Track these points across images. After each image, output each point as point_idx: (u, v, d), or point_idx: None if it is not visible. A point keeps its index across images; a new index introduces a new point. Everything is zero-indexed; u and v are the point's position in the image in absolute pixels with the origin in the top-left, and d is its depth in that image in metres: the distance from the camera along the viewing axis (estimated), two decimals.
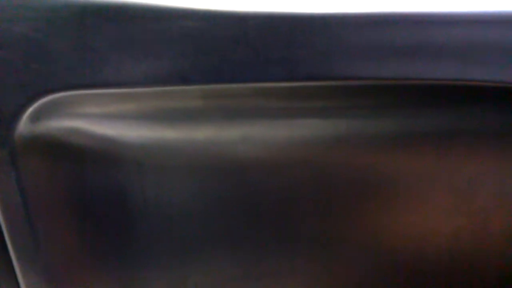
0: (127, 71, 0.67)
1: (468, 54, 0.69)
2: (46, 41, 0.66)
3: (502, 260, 0.84)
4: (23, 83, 0.67)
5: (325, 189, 0.78)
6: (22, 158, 0.71)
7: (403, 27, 0.68)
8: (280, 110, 0.73)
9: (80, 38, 0.66)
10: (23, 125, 0.69)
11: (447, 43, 0.68)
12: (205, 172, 0.75)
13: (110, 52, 0.66)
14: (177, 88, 0.70)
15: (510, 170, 0.78)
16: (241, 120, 0.73)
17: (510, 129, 0.75)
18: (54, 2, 0.65)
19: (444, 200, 0.79)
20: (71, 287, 0.83)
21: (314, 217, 0.80)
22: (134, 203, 0.76)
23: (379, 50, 0.68)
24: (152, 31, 0.66)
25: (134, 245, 0.80)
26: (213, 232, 0.80)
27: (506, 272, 0.84)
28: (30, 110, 0.68)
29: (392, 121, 0.74)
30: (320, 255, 0.83)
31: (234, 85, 0.70)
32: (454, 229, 0.81)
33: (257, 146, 0.74)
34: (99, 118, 0.71)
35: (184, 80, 0.68)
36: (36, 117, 0.69)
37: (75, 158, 0.73)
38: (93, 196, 0.76)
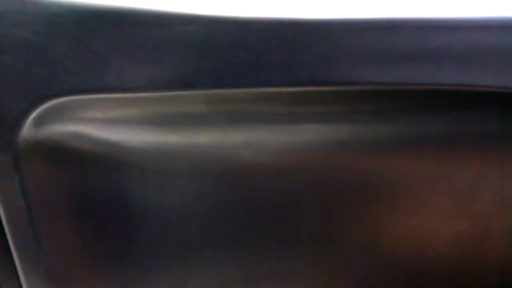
0: (130, 76, 0.68)
1: (469, 60, 0.69)
2: (49, 46, 0.66)
3: (502, 263, 0.84)
4: (26, 88, 0.67)
5: (327, 193, 0.78)
6: (25, 162, 0.71)
7: (404, 33, 0.68)
8: (282, 115, 0.74)
9: (82, 43, 0.66)
10: (26, 130, 0.69)
11: (448, 48, 0.68)
12: (207, 176, 0.76)
13: (113, 57, 0.67)
14: (180, 93, 0.70)
15: (511, 174, 0.78)
16: (243, 125, 0.73)
17: (511, 134, 0.75)
18: (57, 7, 0.65)
19: (445, 204, 0.80)
20: None
21: (315, 221, 0.80)
22: (136, 206, 0.77)
23: (381, 55, 0.68)
24: (155, 36, 0.66)
25: (136, 248, 0.80)
26: (214, 235, 0.80)
27: (507, 275, 0.85)
28: (33, 114, 0.69)
29: (393, 126, 0.74)
30: (321, 258, 0.83)
31: (236, 90, 0.70)
32: (455, 232, 0.82)
33: (259, 150, 0.74)
34: (102, 123, 0.72)
35: (187, 85, 0.69)
36: (39, 122, 0.69)
37: (78, 163, 0.73)
38: (95, 200, 0.76)
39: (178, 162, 0.74)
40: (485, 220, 0.81)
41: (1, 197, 0.74)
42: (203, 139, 0.74)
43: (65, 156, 0.72)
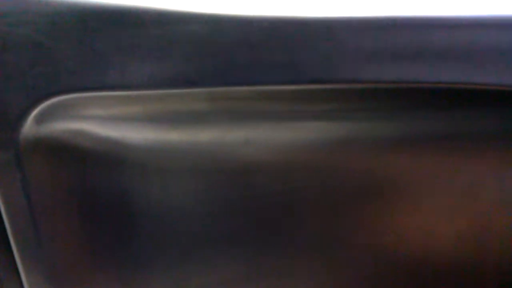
0: (132, 74, 0.68)
1: (471, 58, 0.69)
2: (51, 44, 0.66)
3: (504, 262, 0.84)
4: (27, 86, 0.67)
5: (328, 191, 0.78)
6: (27, 160, 0.71)
7: (405, 31, 0.68)
8: (284, 113, 0.74)
9: (84, 41, 0.66)
10: (28, 127, 0.69)
11: (449, 46, 0.69)
12: (209, 174, 0.76)
13: (115, 55, 0.67)
14: (182, 91, 0.70)
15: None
16: (245, 123, 0.73)
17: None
18: (58, 6, 0.65)
19: (447, 203, 0.80)
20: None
21: (317, 220, 0.80)
22: (138, 204, 0.77)
23: (382, 53, 0.68)
24: (157, 34, 0.66)
25: (137, 246, 0.81)
26: (216, 234, 0.80)
27: (508, 275, 0.85)
28: (35, 112, 0.69)
29: (395, 124, 0.74)
30: (323, 257, 0.83)
31: (238, 88, 0.70)
32: (455, 231, 0.82)
33: (261, 148, 0.75)
34: (104, 121, 0.72)
35: (189, 83, 0.69)
36: (41, 119, 0.69)
37: (79, 160, 0.73)
38: (97, 198, 0.76)
39: (180, 160, 0.75)
40: (487, 219, 0.81)
41: (3, 195, 0.74)
42: (205, 137, 0.74)
43: (67, 154, 0.72)
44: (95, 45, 0.66)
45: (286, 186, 0.77)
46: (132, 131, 0.73)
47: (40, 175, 0.73)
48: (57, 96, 0.68)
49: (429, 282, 0.86)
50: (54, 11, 0.65)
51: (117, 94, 0.70)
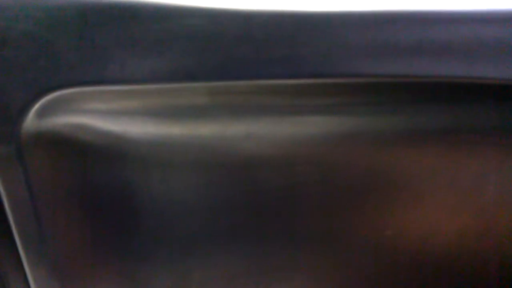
0: (132, 68, 0.68)
1: (472, 52, 0.69)
2: (51, 38, 0.66)
3: (505, 259, 0.84)
4: (29, 80, 0.68)
5: (330, 186, 0.78)
6: (29, 154, 0.72)
7: (406, 25, 0.68)
8: (285, 107, 0.74)
9: (85, 35, 0.66)
10: (30, 122, 0.70)
11: (451, 40, 0.68)
12: (209, 168, 0.76)
13: (115, 49, 0.67)
14: (182, 85, 0.70)
15: None
16: (246, 117, 0.73)
17: None
18: (59, 0, 0.66)
19: (450, 198, 0.79)
20: (79, 281, 0.84)
21: (319, 214, 0.80)
22: (139, 198, 0.77)
23: (382, 47, 0.68)
24: (157, 28, 0.67)
25: (139, 241, 0.81)
26: (218, 228, 0.80)
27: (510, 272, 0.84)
28: (36, 106, 0.69)
29: (396, 118, 0.74)
30: (325, 251, 0.83)
31: (238, 82, 0.70)
32: (456, 227, 0.81)
33: (262, 142, 0.74)
34: (105, 115, 0.72)
35: (189, 77, 0.69)
36: (42, 114, 0.70)
37: (81, 154, 0.73)
38: (98, 191, 0.76)
39: (181, 154, 0.75)
40: (489, 214, 0.80)
41: (5, 189, 0.74)
42: (205, 131, 0.74)
43: (68, 148, 0.73)
44: (95, 39, 0.66)
45: (288, 180, 0.77)
46: (132, 125, 0.73)
47: (42, 169, 0.74)
48: (58, 90, 0.68)
49: (434, 281, 0.86)
50: (54, 6, 0.65)
51: (118, 88, 0.70)
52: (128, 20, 0.66)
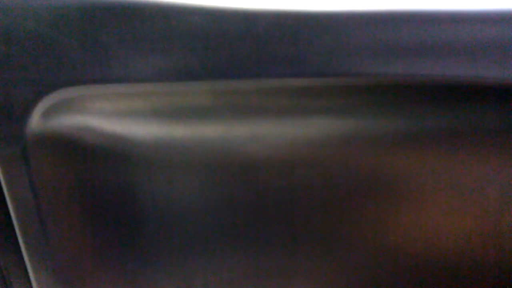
0: (136, 66, 0.68)
1: (474, 52, 0.69)
2: (56, 37, 0.66)
3: (508, 261, 0.84)
4: (32, 79, 0.68)
5: (333, 187, 0.78)
6: (33, 155, 0.72)
7: (409, 25, 0.68)
8: (288, 107, 0.74)
9: (89, 34, 0.67)
10: (34, 122, 0.70)
11: (454, 40, 0.68)
12: (213, 169, 0.76)
13: (118, 48, 0.67)
14: (186, 84, 0.70)
15: None
16: (249, 117, 0.73)
17: None
18: None
19: (452, 200, 0.79)
20: (82, 282, 0.84)
21: (322, 216, 0.80)
22: (144, 199, 0.77)
23: (386, 47, 0.68)
24: (161, 27, 0.67)
25: (143, 242, 0.81)
26: (222, 230, 0.80)
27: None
28: (40, 106, 0.69)
29: (400, 120, 0.74)
30: (329, 254, 0.83)
31: (242, 82, 0.70)
32: (458, 228, 0.81)
33: (265, 142, 0.74)
34: (109, 115, 0.72)
35: (193, 76, 0.69)
36: (46, 114, 0.70)
37: (85, 155, 0.73)
38: (102, 192, 0.76)
39: (184, 154, 0.75)
40: (491, 216, 0.80)
41: (10, 189, 0.74)
42: (209, 131, 0.74)
43: (72, 148, 0.73)
44: (99, 38, 0.66)
45: (291, 181, 0.77)
46: (137, 125, 0.73)
47: (46, 169, 0.74)
48: (61, 89, 0.68)
49: (434, 278, 0.86)
50: (58, 4, 0.65)
51: (121, 87, 0.70)
52: (132, 18, 0.66)
